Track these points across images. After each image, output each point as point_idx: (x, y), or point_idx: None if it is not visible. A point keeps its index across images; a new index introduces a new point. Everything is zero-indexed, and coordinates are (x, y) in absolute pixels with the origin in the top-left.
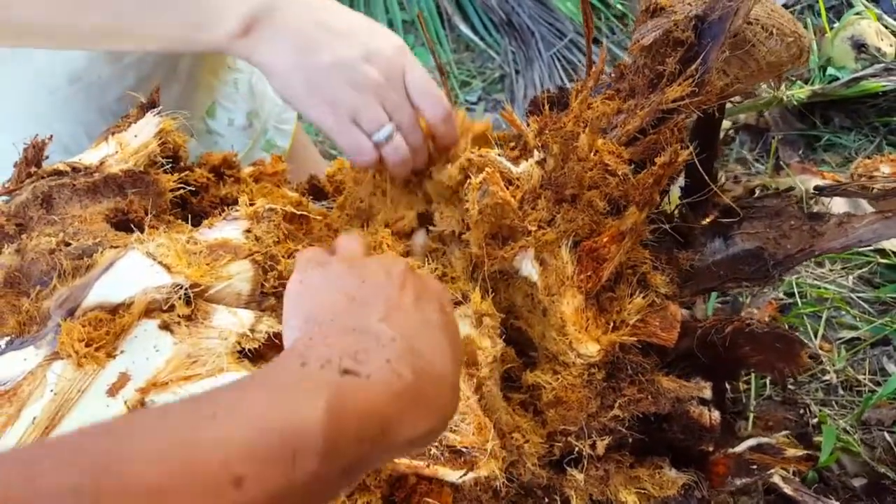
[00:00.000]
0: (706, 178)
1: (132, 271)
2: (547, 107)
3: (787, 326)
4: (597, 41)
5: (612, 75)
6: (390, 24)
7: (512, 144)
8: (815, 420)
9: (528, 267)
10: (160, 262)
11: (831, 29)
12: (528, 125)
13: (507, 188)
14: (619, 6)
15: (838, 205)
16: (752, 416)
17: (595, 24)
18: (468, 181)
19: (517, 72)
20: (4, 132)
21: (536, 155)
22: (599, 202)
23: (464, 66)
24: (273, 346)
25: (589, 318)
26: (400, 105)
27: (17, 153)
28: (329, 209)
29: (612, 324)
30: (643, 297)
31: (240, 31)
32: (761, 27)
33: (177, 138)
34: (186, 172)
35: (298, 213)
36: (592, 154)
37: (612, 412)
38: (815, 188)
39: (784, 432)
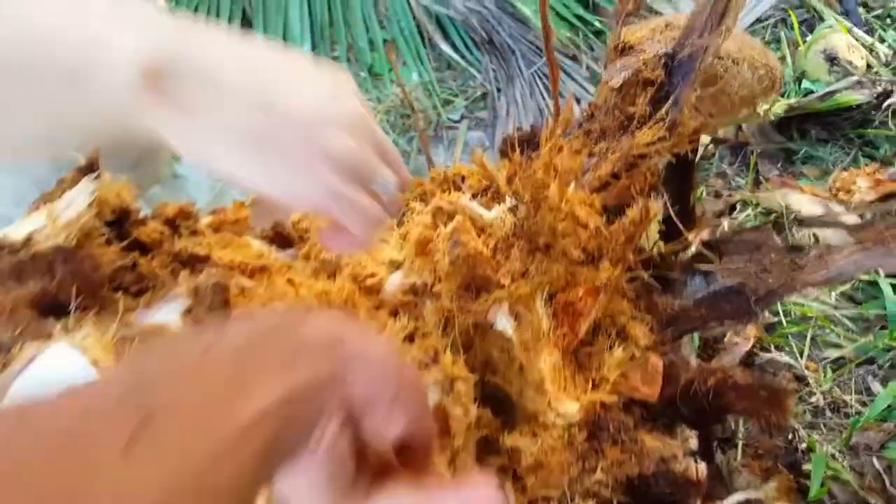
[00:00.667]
0: (679, 225)
1: (56, 367)
2: (517, 151)
3: (772, 346)
4: (575, 58)
5: (583, 114)
6: (371, 44)
7: (487, 184)
8: (804, 445)
9: (503, 321)
10: (87, 356)
11: (804, 42)
12: (499, 166)
13: (479, 236)
14: (596, 23)
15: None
16: (741, 443)
17: (573, 41)
18: (437, 230)
19: (499, 90)
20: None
21: (508, 201)
22: (574, 251)
23: (445, 84)
24: None
25: (567, 376)
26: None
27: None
28: (294, 258)
29: (591, 381)
30: (623, 350)
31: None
32: (732, 61)
33: (124, 196)
34: (138, 228)
35: (259, 265)
36: (563, 204)
37: (595, 476)
38: (797, 221)
39: (772, 484)
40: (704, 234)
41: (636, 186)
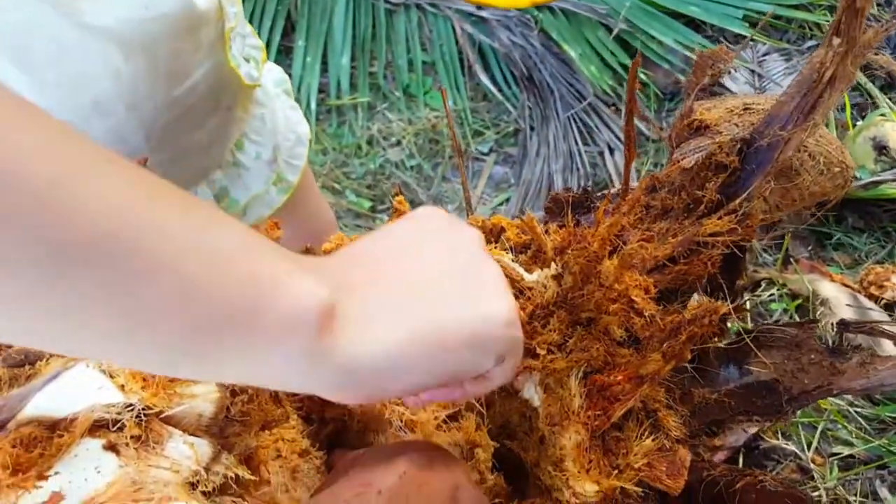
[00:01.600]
0: (731, 312)
1: (79, 386)
2: (571, 218)
3: (779, 434)
4: (615, 107)
5: (644, 187)
6: (410, 65)
7: (526, 239)
8: None
9: (531, 391)
10: (113, 381)
11: (854, 126)
12: (546, 227)
13: (518, 298)
14: (642, 75)
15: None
16: None
17: (615, 90)
18: None
19: (532, 128)
20: None
21: (553, 268)
22: (617, 330)
23: (479, 115)
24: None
25: (592, 458)
26: None
27: None
28: None
29: (616, 467)
30: (653, 440)
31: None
32: (808, 155)
33: None
34: None
35: None
36: (617, 283)
37: None
38: (840, 323)
39: None
40: (746, 322)
41: (693, 273)
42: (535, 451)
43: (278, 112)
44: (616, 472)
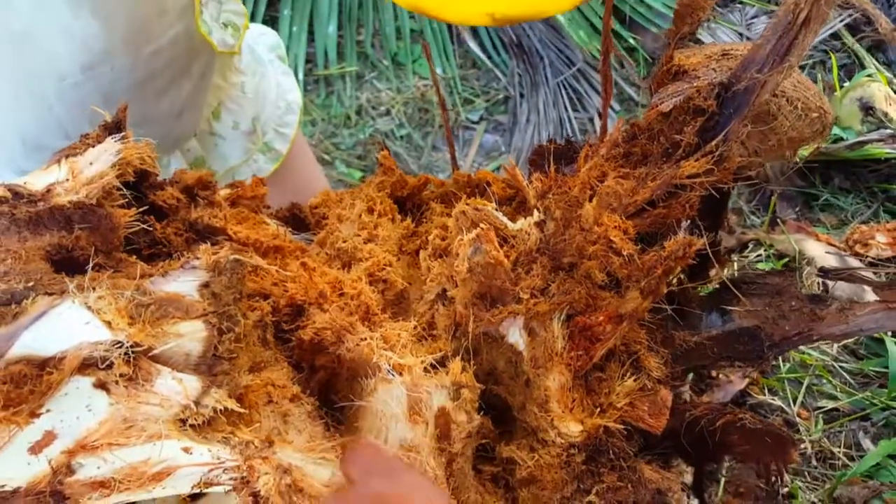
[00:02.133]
0: (712, 258)
1: (67, 324)
2: (553, 166)
3: (766, 389)
4: None
5: (623, 136)
6: (398, 32)
7: (511, 193)
8: (786, 490)
9: (516, 335)
10: (99, 317)
11: (841, 88)
12: (530, 178)
13: (502, 247)
14: (630, 39)
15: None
16: (723, 479)
17: None
18: (460, 236)
19: (521, 95)
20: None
21: (536, 215)
22: (598, 274)
23: (468, 83)
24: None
25: (575, 398)
26: None
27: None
28: (309, 242)
29: (598, 406)
30: (634, 380)
31: None
32: (786, 100)
33: (147, 158)
34: (155, 192)
35: (273, 244)
36: (597, 226)
37: (588, 497)
38: (821, 270)
39: None
40: (727, 272)
41: (673, 217)
42: (521, 394)
43: (270, 78)
44: (599, 411)
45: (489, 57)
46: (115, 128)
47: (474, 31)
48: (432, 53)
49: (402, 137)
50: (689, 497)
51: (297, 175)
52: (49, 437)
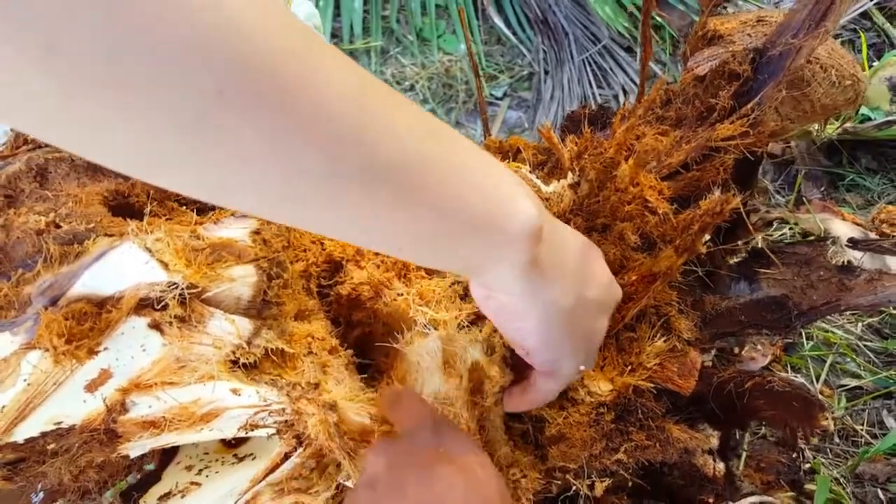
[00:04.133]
0: (747, 222)
1: (125, 264)
2: (588, 128)
3: (789, 367)
4: (630, 49)
5: (659, 100)
6: (423, 8)
7: (542, 159)
8: (808, 466)
9: None
10: (157, 258)
11: (870, 67)
12: (564, 142)
13: None
14: (656, 17)
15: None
16: (744, 454)
17: (631, 32)
18: None
19: (546, 71)
20: None
21: (570, 177)
22: (631, 236)
23: (493, 58)
24: (269, 359)
25: (606, 357)
26: None
27: None
28: None
29: (629, 365)
30: (664, 341)
31: (533, 237)
32: (820, 67)
33: None
34: None
35: None
36: (633, 186)
37: (616, 455)
38: (850, 240)
39: (787, 494)
40: (759, 241)
41: (707, 179)
42: None
43: None
44: (629, 370)
45: (514, 33)
46: None
47: (499, 6)
48: (456, 29)
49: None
50: (714, 461)
51: None
52: (104, 376)
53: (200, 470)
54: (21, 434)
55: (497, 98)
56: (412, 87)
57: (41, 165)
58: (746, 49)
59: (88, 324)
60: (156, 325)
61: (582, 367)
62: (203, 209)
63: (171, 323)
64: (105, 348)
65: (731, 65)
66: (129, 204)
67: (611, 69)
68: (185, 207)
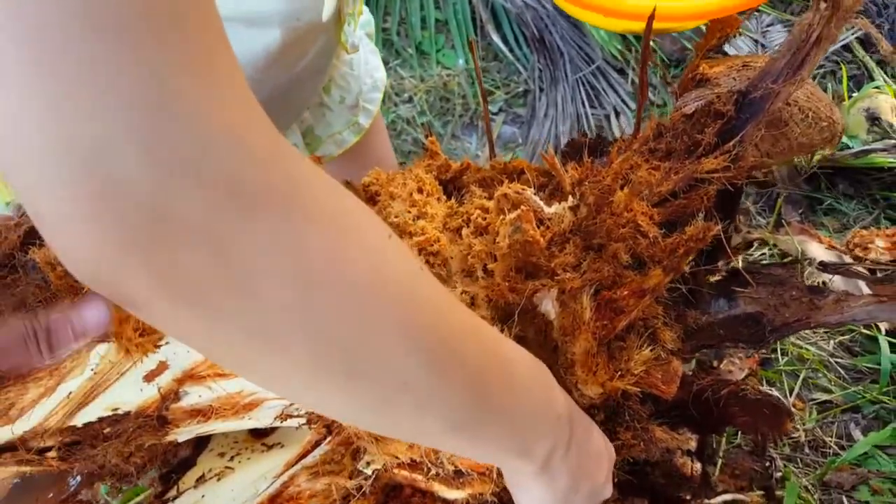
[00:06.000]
0: (726, 246)
1: None
2: (589, 158)
3: (764, 381)
4: (622, 72)
5: (652, 134)
6: (423, 22)
7: (544, 181)
8: (780, 474)
9: (548, 305)
10: None
11: (849, 98)
12: (565, 166)
13: (538, 227)
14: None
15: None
16: (720, 461)
17: (624, 55)
18: (501, 215)
19: (541, 89)
20: None
21: (570, 200)
22: (624, 255)
23: (489, 74)
24: None
25: (598, 363)
26: None
27: None
28: None
29: (618, 371)
30: (651, 350)
31: (542, 465)
32: (798, 109)
33: None
34: None
35: None
36: (627, 212)
37: None
38: (820, 264)
39: (757, 492)
40: (738, 262)
41: (692, 207)
42: (549, 360)
43: (361, 54)
44: (618, 375)
45: (511, 50)
46: None
47: (497, 23)
48: (455, 44)
49: (423, 125)
50: (693, 461)
51: (373, 148)
52: (162, 367)
53: (233, 456)
54: (81, 419)
55: (493, 113)
56: (410, 100)
57: None
58: (731, 91)
59: None
60: None
61: None
62: None
63: None
64: (167, 342)
65: (717, 105)
66: None
67: (603, 90)
68: None
